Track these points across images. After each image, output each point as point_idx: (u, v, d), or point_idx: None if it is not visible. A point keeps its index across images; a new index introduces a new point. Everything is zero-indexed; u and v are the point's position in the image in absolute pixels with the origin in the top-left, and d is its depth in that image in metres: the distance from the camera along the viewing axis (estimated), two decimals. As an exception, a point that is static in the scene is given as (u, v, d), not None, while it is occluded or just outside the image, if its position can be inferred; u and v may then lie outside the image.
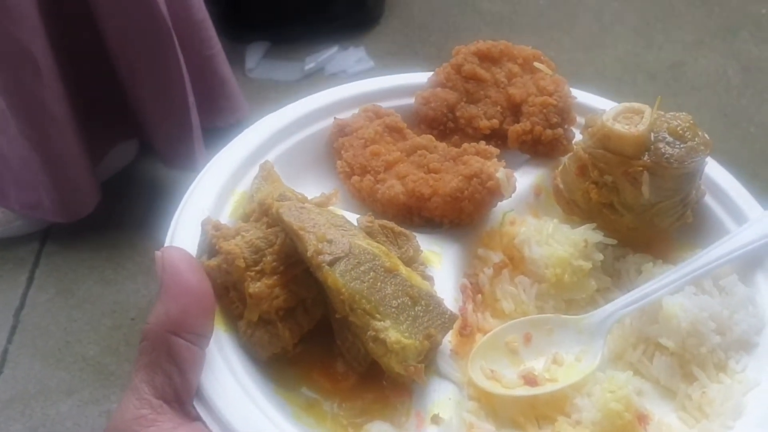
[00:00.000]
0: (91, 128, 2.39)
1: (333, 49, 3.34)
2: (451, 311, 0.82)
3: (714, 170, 1.02)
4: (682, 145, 0.92)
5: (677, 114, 0.95)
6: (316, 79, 3.24)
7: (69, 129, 2.29)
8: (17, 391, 2.23)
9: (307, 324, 0.82)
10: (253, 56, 3.34)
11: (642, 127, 0.91)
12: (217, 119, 2.65)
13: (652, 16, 3.17)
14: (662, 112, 0.94)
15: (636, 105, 0.94)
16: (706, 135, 0.94)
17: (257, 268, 0.80)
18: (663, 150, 0.91)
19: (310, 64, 3.29)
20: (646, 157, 0.91)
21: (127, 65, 2.31)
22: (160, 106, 2.39)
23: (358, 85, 1.09)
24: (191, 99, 2.36)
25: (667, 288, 0.89)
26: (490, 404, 0.83)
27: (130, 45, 2.26)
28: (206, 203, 0.89)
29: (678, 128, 0.93)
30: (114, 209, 2.66)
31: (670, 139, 0.92)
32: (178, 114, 2.38)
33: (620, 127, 0.91)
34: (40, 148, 2.27)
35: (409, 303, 0.80)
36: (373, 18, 3.53)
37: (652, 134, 0.92)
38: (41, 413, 2.19)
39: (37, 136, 2.25)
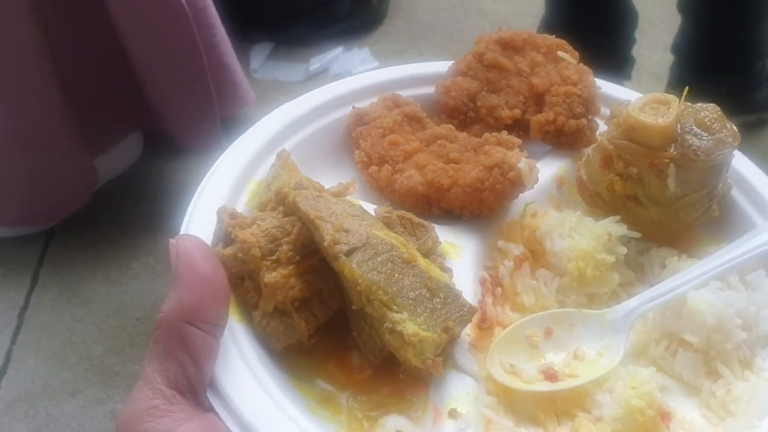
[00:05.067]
0: (93, 121, 2.38)
1: (337, 50, 3.34)
2: (470, 304, 0.80)
3: (741, 163, 0.99)
4: (709, 137, 0.89)
5: (705, 105, 0.92)
6: (321, 79, 3.25)
7: (61, 123, 2.26)
8: (21, 392, 2.24)
9: (323, 315, 0.81)
10: (258, 57, 3.35)
11: (669, 118, 0.89)
12: (223, 108, 2.64)
13: (656, 17, 3.15)
14: (689, 103, 0.92)
15: (663, 95, 0.92)
16: (734, 127, 0.91)
17: (273, 257, 0.79)
18: (690, 142, 0.89)
19: (315, 64, 3.29)
20: (672, 149, 0.89)
21: (142, 49, 2.29)
22: (180, 89, 2.38)
23: (378, 74, 1.08)
24: (210, 81, 2.36)
25: (691, 283, 0.87)
26: (508, 399, 0.82)
27: (145, 28, 2.24)
28: (222, 192, 0.88)
29: (705, 120, 0.90)
30: (118, 209, 2.66)
31: (697, 130, 0.90)
32: (200, 96, 2.38)
33: (646, 118, 0.89)
34: (28, 146, 2.25)
35: (427, 295, 0.78)
36: (377, 19, 3.53)
37: (679, 125, 0.89)
38: (45, 413, 2.19)
39: (24, 130, 2.23)
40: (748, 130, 2.83)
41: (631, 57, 2.82)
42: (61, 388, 2.24)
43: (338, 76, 3.18)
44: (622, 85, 2.93)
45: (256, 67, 3.30)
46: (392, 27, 3.53)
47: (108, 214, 2.66)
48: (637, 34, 2.81)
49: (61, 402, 2.21)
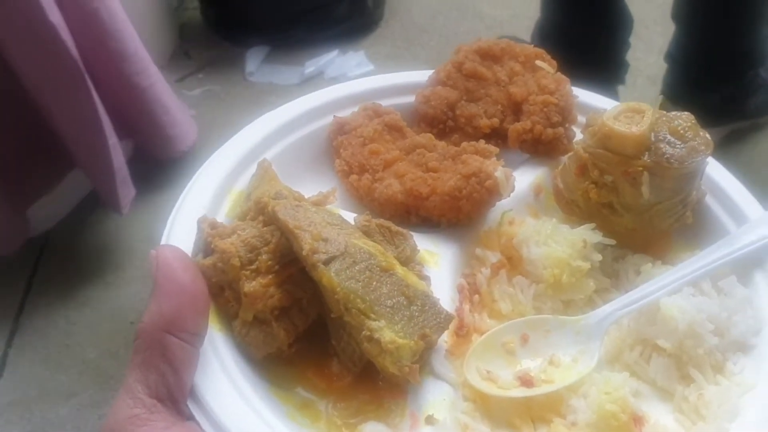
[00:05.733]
0: (18, 174, 2.33)
1: (333, 53, 3.35)
2: (447, 311, 0.82)
3: (715, 170, 1.01)
4: (682, 145, 0.91)
5: (679, 113, 0.94)
6: (316, 83, 3.25)
7: None
8: (17, 395, 2.24)
9: (303, 324, 0.82)
10: (254, 60, 3.35)
11: (643, 127, 0.90)
12: (167, 149, 2.62)
13: (652, 20, 3.16)
14: (664, 112, 0.93)
15: (637, 104, 0.93)
16: (707, 135, 0.93)
17: (252, 267, 0.80)
18: (664, 150, 0.90)
19: (310, 68, 3.30)
20: (646, 157, 0.90)
21: (45, 108, 2.22)
22: (80, 149, 2.32)
23: (358, 84, 1.09)
24: (112, 141, 2.27)
25: (665, 289, 0.89)
26: (485, 405, 0.83)
27: (43, 89, 2.17)
28: (203, 202, 0.89)
29: (679, 128, 0.92)
30: (112, 213, 2.65)
31: (670, 139, 0.91)
32: (99, 156, 2.29)
33: (621, 127, 0.91)
34: None
35: (405, 303, 0.80)
36: (373, 22, 3.53)
37: (653, 134, 0.91)
38: (41, 417, 2.20)
39: None
40: (741, 135, 2.86)
41: (625, 61, 2.83)
42: (56, 392, 2.25)
43: (333, 80, 3.21)
44: (616, 89, 2.93)
45: (251, 71, 3.31)
46: (388, 30, 3.54)
47: (102, 218, 2.66)
48: (632, 38, 2.81)
49: (56, 405, 2.22)
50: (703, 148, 0.92)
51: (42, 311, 2.45)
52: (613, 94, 2.78)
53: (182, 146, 2.68)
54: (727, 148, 2.79)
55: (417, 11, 3.62)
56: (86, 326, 2.41)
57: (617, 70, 2.83)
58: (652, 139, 0.91)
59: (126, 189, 2.42)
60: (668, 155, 0.90)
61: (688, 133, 0.92)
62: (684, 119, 0.93)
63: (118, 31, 2.32)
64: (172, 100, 2.64)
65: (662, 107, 0.92)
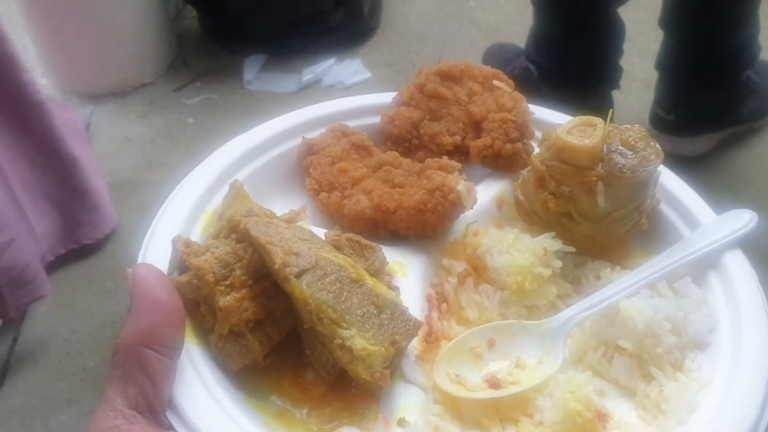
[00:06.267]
0: None
1: (330, 61, 3.37)
2: (415, 319, 0.85)
3: (669, 179, 1.06)
4: (634, 156, 0.95)
5: (629, 126, 0.99)
6: (314, 90, 3.27)
7: None
8: (18, 402, 2.24)
9: (277, 335, 0.85)
10: (251, 69, 3.37)
11: (595, 139, 0.95)
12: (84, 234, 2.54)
13: (646, 25, 3.17)
14: (615, 125, 0.98)
15: (589, 118, 0.98)
16: (657, 145, 0.97)
17: (226, 282, 0.82)
18: (616, 160, 0.95)
19: (308, 76, 3.31)
20: (600, 168, 0.95)
21: None
22: None
23: (326, 106, 1.13)
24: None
25: (624, 292, 0.92)
26: (455, 407, 0.86)
27: None
28: (177, 222, 0.92)
29: (630, 139, 0.96)
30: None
31: (622, 149, 0.96)
32: None
33: (574, 140, 0.95)
34: None
35: (375, 312, 0.83)
36: (369, 30, 3.55)
37: (606, 146, 0.95)
38: (41, 424, 2.20)
39: None
40: (736, 140, 2.88)
41: (619, 67, 2.82)
42: (57, 399, 2.25)
43: (331, 87, 3.25)
44: (611, 94, 2.95)
45: (249, 79, 3.32)
46: (384, 38, 3.55)
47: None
48: (627, 43, 2.81)
49: (57, 412, 2.21)
50: (653, 157, 0.96)
51: (43, 319, 2.45)
52: (607, 99, 2.78)
53: (98, 234, 2.56)
54: (722, 153, 2.81)
55: (413, 19, 3.64)
56: (87, 334, 2.41)
57: (612, 76, 2.82)
58: (605, 150, 0.95)
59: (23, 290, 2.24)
60: (620, 165, 0.95)
61: (639, 143, 0.96)
62: (635, 131, 0.98)
63: None
64: (99, 185, 2.50)
65: (613, 120, 0.96)
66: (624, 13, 2.77)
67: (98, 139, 3.09)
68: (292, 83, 3.31)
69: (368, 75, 3.33)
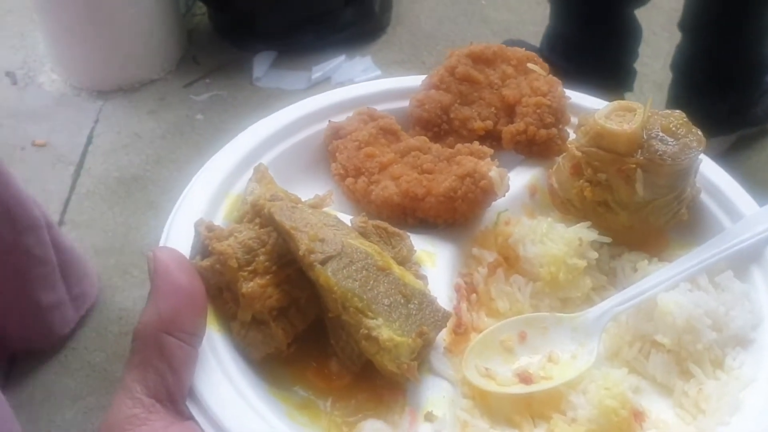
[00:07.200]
0: None
1: (340, 59, 3.37)
2: (444, 309, 0.82)
3: (709, 168, 1.02)
4: (674, 142, 0.92)
5: (670, 111, 0.95)
6: (323, 88, 3.23)
7: None
8: (24, 398, 2.25)
9: (301, 323, 0.82)
10: (261, 66, 3.37)
11: (635, 125, 0.91)
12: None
13: (659, 26, 3.17)
14: (655, 110, 0.94)
15: (628, 103, 0.94)
16: (699, 132, 0.94)
17: (250, 268, 0.80)
18: (656, 147, 0.91)
19: (317, 73, 3.31)
20: (639, 155, 0.91)
21: None
22: None
23: (353, 89, 1.10)
24: None
25: (662, 285, 0.89)
26: (484, 402, 0.83)
27: None
28: (200, 206, 0.90)
29: (671, 125, 0.93)
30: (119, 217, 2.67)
31: (663, 136, 0.92)
32: None
33: (612, 125, 0.91)
34: None
35: (402, 301, 0.80)
36: (380, 27, 3.55)
37: (645, 132, 0.92)
38: (47, 419, 2.21)
39: None
40: (749, 141, 2.88)
41: (633, 69, 2.82)
42: (63, 395, 2.26)
43: (340, 85, 3.21)
44: (623, 96, 2.96)
45: (259, 76, 3.33)
46: (395, 36, 3.55)
47: (109, 221, 2.67)
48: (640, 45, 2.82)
49: (62, 408, 2.23)
50: (695, 144, 0.92)
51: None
52: (619, 100, 2.77)
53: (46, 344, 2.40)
54: (735, 153, 2.80)
55: (424, 17, 3.63)
56: (93, 329, 2.42)
57: (625, 78, 2.83)
58: (645, 136, 0.92)
59: None
60: (661, 152, 0.91)
61: (680, 130, 0.93)
62: (676, 117, 0.94)
63: None
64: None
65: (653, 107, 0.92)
66: (638, 13, 2.74)
67: (107, 135, 3.10)
68: (301, 80, 3.31)
69: (378, 72, 3.32)
